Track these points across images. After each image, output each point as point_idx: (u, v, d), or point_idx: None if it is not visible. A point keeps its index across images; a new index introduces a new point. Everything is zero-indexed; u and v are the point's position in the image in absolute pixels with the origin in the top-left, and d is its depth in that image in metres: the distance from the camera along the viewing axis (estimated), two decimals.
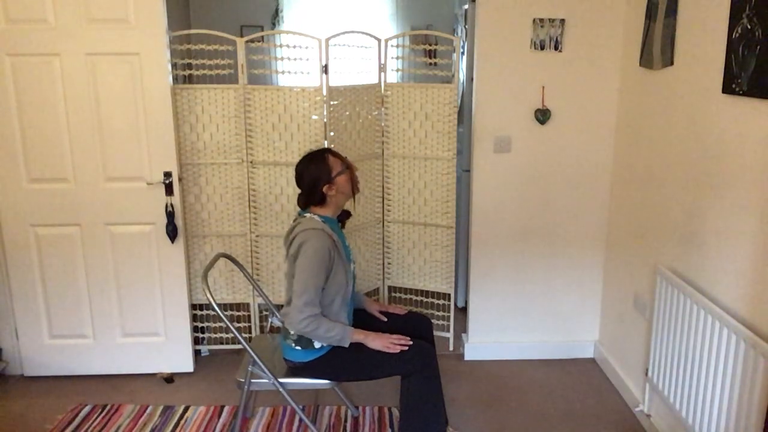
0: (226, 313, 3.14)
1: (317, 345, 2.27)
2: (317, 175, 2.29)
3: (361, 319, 2.46)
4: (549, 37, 2.91)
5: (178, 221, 2.93)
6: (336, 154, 2.36)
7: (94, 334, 3.06)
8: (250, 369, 2.32)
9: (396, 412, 2.76)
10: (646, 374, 2.55)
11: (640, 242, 2.74)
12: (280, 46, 3.10)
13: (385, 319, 2.51)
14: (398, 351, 2.24)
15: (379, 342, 2.25)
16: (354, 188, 2.38)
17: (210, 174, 3.10)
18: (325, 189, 2.29)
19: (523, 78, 2.96)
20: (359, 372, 2.31)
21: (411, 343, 2.27)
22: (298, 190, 2.37)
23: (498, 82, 2.97)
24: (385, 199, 3.33)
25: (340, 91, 3.05)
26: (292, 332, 2.29)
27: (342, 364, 2.28)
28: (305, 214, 2.32)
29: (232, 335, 2.33)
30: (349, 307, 2.36)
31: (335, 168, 2.31)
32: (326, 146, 2.40)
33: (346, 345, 2.24)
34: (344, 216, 2.47)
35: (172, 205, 2.90)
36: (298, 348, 2.29)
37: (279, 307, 2.92)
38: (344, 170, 2.33)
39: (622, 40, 2.92)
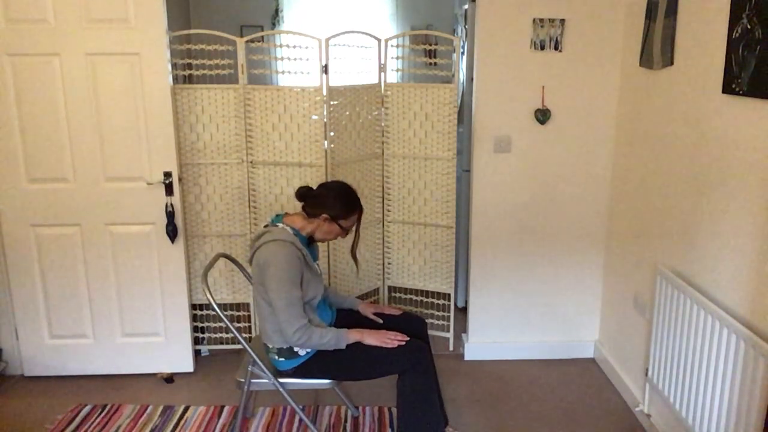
0: (226, 313, 3.14)
1: (301, 352, 2.28)
2: (333, 206, 2.30)
3: (356, 321, 2.46)
4: (549, 37, 2.91)
5: (178, 221, 2.93)
6: (360, 218, 2.39)
7: (94, 334, 3.06)
8: (250, 369, 2.32)
9: (396, 412, 2.76)
10: (646, 374, 2.55)
11: (640, 242, 2.74)
12: (280, 46, 3.10)
13: (381, 321, 2.52)
14: (395, 345, 2.24)
15: (375, 338, 2.26)
16: (329, 239, 2.40)
17: (210, 174, 3.10)
18: (323, 216, 2.30)
19: (523, 78, 2.96)
20: (352, 371, 2.31)
21: (407, 338, 2.28)
22: (298, 188, 2.37)
23: (498, 82, 2.97)
24: (385, 199, 3.33)
25: (340, 91, 3.05)
26: (270, 346, 2.31)
27: (334, 363, 2.29)
28: (278, 224, 2.32)
29: (232, 335, 2.34)
30: (320, 311, 2.37)
31: (346, 222, 2.34)
32: (362, 211, 2.42)
33: (343, 347, 2.24)
34: (312, 238, 2.45)
35: (172, 205, 2.90)
36: (282, 359, 2.31)
37: None
38: (343, 230, 2.36)
39: (622, 40, 2.92)
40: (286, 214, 2.38)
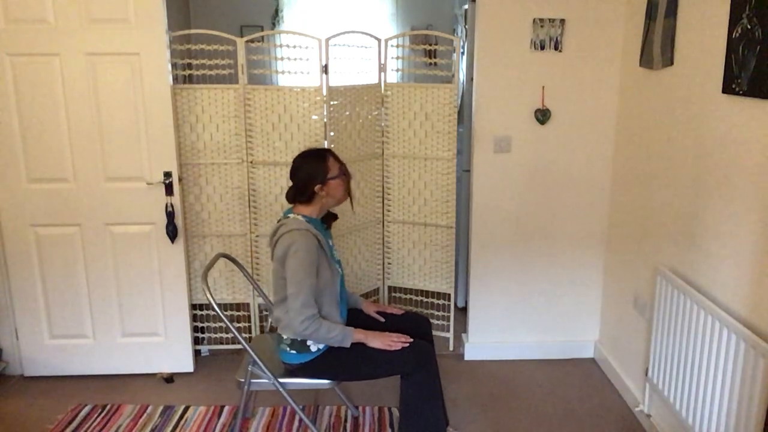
0: (226, 313, 3.14)
1: (313, 348, 2.28)
2: (312, 173, 2.29)
3: (358, 320, 2.46)
4: (549, 37, 2.91)
5: (178, 221, 2.93)
6: (336, 157, 2.36)
7: (94, 334, 3.06)
8: (250, 369, 2.32)
9: (396, 412, 2.76)
10: (646, 374, 2.55)
11: (640, 242, 2.74)
12: (280, 46, 3.10)
13: (383, 320, 2.52)
14: (399, 348, 2.24)
15: (379, 341, 2.25)
16: (345, 195, 2.37)
17: (210, 174, 3.10)
18: (316, 188, 2.29)
19: (523, 78, 2.96)
20: (358, 372, 2.31)
21: (411, 341, 2.27)
22: (285, 194, 2.37)
23: (498, 82, 2.97)
24: (385, 199, 3.33)
25: (340, 91, 3.05)
26: (285, 337, 2.30)
27: (340, 363, 2.28)
28: (289, 215, 2.32)
29: (232, 335, 2.33)
30: (340, 307, 2.37)
31: (332, 170, 2.31)
32: (326, 147, 2.40)
33: (347, 345, 2.24)
34: (330, 218, 2.46)
35: (172, 205, 2.90)
36: (293, 352, 2.30)
37: None
38: (340, 175, 2.33)
39: (622, 40, 2.92)
40: (293, 207, 2.37)
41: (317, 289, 2.24)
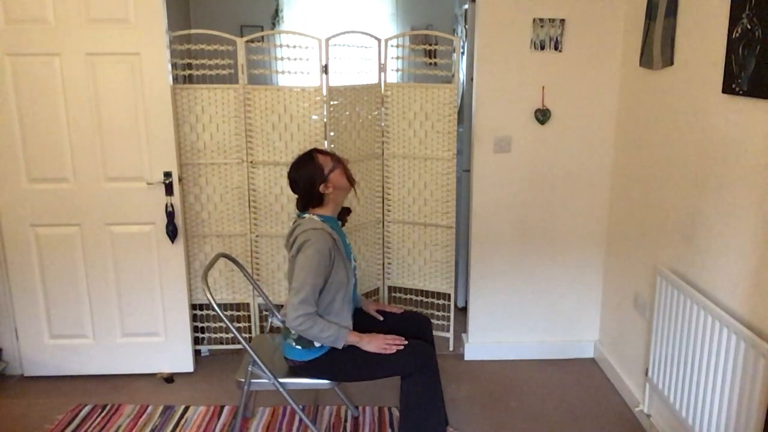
0: (226, 313, 3.14)
1: (317, 344, 2.27)
2: (311, 177, 2.28)
3: (358, 318, 2.46)
4: (549, 37, 2.91)
5: (178, 221, 2.93)
6: (323, 152, 2.36)
7: (94, 334, 3.06)
8: (250, 369, 2.32)
9: (396, 412, 2.77)
10: (646, 374, 2.55)
11: (640, 242, 2.74)
12: (280, 46, 3.10)
13: (382, 318, 2.51)
14: (394, 351, 2.23)
15: (374, 344, 2.24)
16: (349, 181, 2.36)
17: (210, 174, 3.10)
18: (321, 189, 2.28)
19: (523, 78, 2.96)
20: (359, 372, 2.31)
21: (406, 342, 2.27)
22: (295, 196, 2.37)
23: (498, 82, 2.97)
24: (385, 199, 3.33)
25: (340, 91, 3.05)
26: (293, 331, 2.29)
27: (342, 363, 2.28)
28: (304, 215, 2.32)
29: (232, 335, 2.33)
30: (351, 305, 2.36)
31: (326, 166, 2.30)
32: (316, 147, 2.39)
33: (339, 347, 2.23)
34: (344, 213, 2.46)
35: (172, 205, 2.90)
36: (299, 347, 2.29)
37: (279, 307, 2.93)
38: (335, 166, 2.32)
39: (622, 40, 2.92)
40: (309, 209, 2.35)
41: (331, 289, 2.24)
